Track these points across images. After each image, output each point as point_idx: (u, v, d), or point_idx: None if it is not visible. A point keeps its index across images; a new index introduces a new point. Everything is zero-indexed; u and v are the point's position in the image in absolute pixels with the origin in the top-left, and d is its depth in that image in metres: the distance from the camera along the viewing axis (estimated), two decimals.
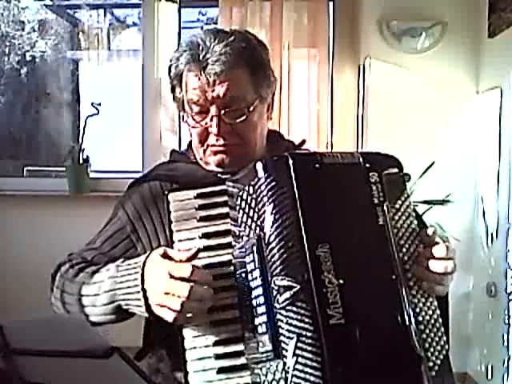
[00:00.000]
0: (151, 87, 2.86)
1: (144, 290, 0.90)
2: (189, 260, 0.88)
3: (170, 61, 1.11)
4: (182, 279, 0.85)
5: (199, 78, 1.05)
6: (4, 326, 0.66)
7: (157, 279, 0.88)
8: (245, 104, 1.07)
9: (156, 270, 0.89)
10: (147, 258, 0.92)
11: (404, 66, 2.70)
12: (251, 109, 1.07)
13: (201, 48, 1.05)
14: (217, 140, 1.07)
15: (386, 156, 0.96)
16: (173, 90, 1.13)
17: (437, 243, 0.92)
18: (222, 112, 1.06)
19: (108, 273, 0.98)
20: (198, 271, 0.86)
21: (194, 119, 1.09)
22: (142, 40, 2.90)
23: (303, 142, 1.25)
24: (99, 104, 2.80)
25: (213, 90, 1.04)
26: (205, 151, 1.11)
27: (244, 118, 1.06)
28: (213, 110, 1.06)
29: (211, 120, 1.06)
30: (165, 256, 0.89)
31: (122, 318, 0.99)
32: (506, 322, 2.32)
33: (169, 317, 0.87)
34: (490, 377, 2.47)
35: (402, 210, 0.92)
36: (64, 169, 2.89)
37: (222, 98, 1.05)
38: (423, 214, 2.34)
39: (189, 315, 0.87)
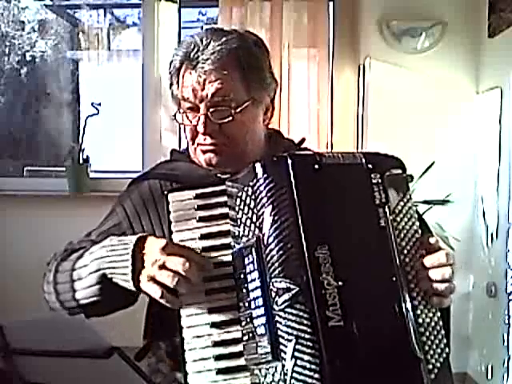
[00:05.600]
0: (151, 87, 2.86)
1: (134, 259, 0.89)
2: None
3: (172, 56, 1.11)
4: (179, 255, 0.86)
5: (191, 76, 1.05)
6: (4, 326, 0.66)
7: (151, 252, 0.88)
8: (234, 104, 1.06)
9: (151, 245, 0.90)
10: (144, 236, 0.93)
11: (404, 65, 2.70)
12: (239, 110, 1.06)
13: (195, 46, 1.05)
14: (204, 139, 1.07)
15: (388, 157, 0.96)
16: (171, 86, 1.13)
17: (438, 250, 0.91)
18: (210, 111, 1.05)
19: (100, 244, 0.98)
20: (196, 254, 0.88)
21: (187, 116, 1.09)
22: (142, 40, 2.90)
23: (303, 140, 1.25)
24: (99, 104, 2.80)
25: (202, 89, 1.04)
26: (195, 149, 1.11)
27: (230, 118, 1.06)
28: (202, 108, 1.06)
29: (199, 118, 1.06)
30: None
31: (107, 297, 0.96)
32: (506, 322, 2.31)
33: (156, 293, 0.87)
34: (489, 377, 2.47)
35: (404, 211, 0.92)
36: (64, 169, 2.89)
37: (210, 97, 1.04)
38: (423, 214, 2.34)
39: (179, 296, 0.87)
